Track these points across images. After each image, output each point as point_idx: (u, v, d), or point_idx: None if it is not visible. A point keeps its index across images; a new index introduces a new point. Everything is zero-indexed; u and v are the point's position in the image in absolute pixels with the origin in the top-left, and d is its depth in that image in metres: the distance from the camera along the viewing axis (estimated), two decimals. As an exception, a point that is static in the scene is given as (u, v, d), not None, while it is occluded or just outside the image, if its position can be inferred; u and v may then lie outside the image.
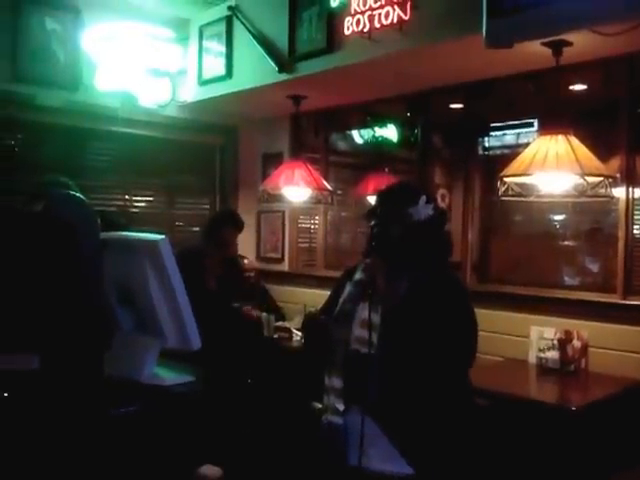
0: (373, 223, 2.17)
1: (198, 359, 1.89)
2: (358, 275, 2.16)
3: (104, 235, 1.70)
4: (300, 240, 5.44)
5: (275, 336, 4.33)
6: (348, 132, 5.38)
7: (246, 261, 4.71)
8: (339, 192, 5.16)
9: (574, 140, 3.05)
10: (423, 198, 2.10)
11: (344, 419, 2.04)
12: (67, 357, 1.53)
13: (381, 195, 2.24)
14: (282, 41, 3.99)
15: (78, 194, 1.56)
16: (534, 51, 3.13)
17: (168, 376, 1.85)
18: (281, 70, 3.98)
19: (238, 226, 4.19)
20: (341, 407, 2.04)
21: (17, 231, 1.52)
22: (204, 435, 2.03)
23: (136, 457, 1.67)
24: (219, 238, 4.10)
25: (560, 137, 3.05)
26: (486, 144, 4.43)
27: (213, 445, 2.34)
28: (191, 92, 4.78)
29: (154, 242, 1.73)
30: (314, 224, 5.39)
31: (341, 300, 2.20)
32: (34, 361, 1.50)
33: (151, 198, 5.18)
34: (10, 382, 1.49)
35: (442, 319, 2.01)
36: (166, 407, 1.82)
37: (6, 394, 1.50)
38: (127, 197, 4.98)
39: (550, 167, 3.00)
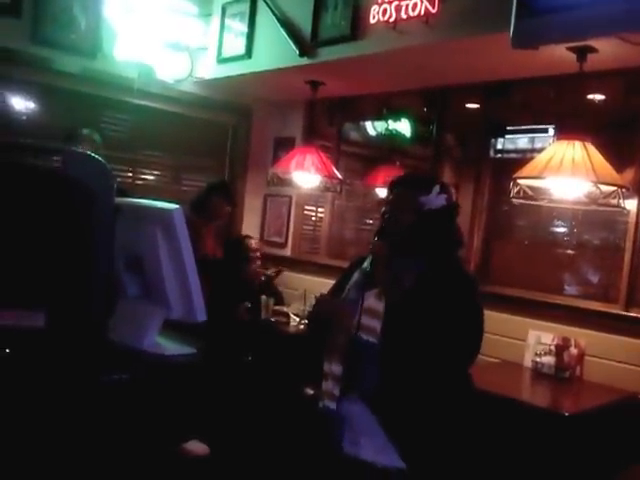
0: (384, 210, 2.17)
1: (201, 332, 1.89)
2: (366, 264, 2.16)
3: (118, 200, 1.70)
4: (305, 227, 5.44)
5: (272, 319, 4.34)
6: (362, 123, 5.36)
7: (253, 241, 4.70)
8: (348, 182, 5.15)
9: (591, 147, 3.04)
10: (436, 188, 2.09)
11: (339, 406, 2.04)
12: (72, 318, 1.53)
13: (394, 183, 2.23)
14: (305, 25, 3.97)
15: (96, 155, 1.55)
16: (558, 55, 3.12)
17: (169, 346, 1.85)
18: (302, 54, 3.96)
19: (228, 196, 4.24)
20: (337, 393, 2.04)
21: (31, 187, 1.51)
22: (195, 410, 2.03)
23: (125, 425, 1.67)
24: (206, 208, 4.15)
25: (577, 143, 3.04)
26: (499, 146, 4.41)
27: (203, 421, 2.35)
28: (209, 69, 4.76)
29: (168, 211, 1.72)
30: (320, 212, 5.39)
31: (347, 287, 2.19)
32: (40, 319, 1.49)
33: (158, 173, 5.16)
34: (14, 339, 1.49)
35: (449, 312, 1.99)
36: (163, 377, 1.82)
37: (8, 350, 1.50)
38: (134, 170, 4.97)
39: (565, 172, 2.99)
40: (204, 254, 4.06)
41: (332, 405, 2.05)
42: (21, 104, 4.41)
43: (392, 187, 2.21)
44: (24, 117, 4.42)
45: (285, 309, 4.50)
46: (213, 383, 2.01)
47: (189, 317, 1.78)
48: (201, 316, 1.77)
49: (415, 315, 1.99)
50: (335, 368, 2.06)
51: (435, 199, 2.07)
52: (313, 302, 2.35)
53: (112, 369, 1.63)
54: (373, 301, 2.02)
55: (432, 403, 2.00)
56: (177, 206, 1.73)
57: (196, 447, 3.40)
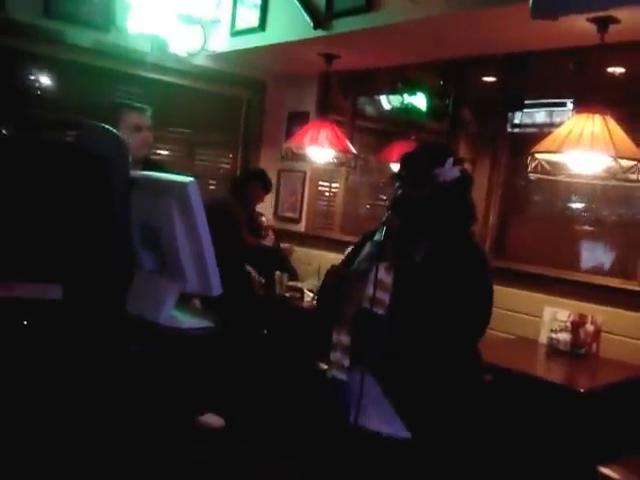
0: (397, 184, 2.14)
1: (220, 307, 1.89)
2: (377, 236, 2.15)
3: (133, 173, 1.69)
4: (319, 202, 5.42)
5: (287, 295, 4.35)
6: (377, 97, 5.30)
7: (264, 219, 4.71)
8: (362, 157, 5.11)
9: (611, 121, 2.99)
10: (450, 160, 2.07)
11: (348, 376, 2.05)
12: (90, 290, 1.53)
13: (407, 156, 2.20)
14: (320, -4, 3.91)
15: (111, 127, 1.53)
16: (578, 26, 3.05)
17: (186, 320, 1.85)
18: (316, 26, 3.90)
19: (266, 186, 4.34)
20: (346, 363, 2.04)
21: (47, 161, 1.50)
22: (211, 383, 2.04)
23: (142, 397, 1.68)
24: (245, 194, 4.23)
25: (597, 117, 2.98)
26: (517, 121, 4.35)
27: (218, 394, 2.36)
28: (222, 42, 4.71)
29: (183, 184, 1.71)
30: (334, 187, 5.36)
31: (358, 259, 2.19)
32: (57, 291, 1.49)
33: (171, 147, 5.14)
34: (32, 310, 1.50)
35: (459, 286, 1.99)
36: (179, 350, 1.82)
37: (25, 322, 1.50)
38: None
39: (584, 146, 2.94)
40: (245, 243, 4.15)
41: (341, 375, 2.05)
42: (34, 78, 4.39)
43: (406, 159, 2.19)
44: (37, 91, 4.41)
45: (299, 285, 4.51)
46: (229, 357, 2.02)
47: (205, 291, 1.77)
48: (217, 290, 1.77)
49: (424, 288, 1.99)
50: (344, 339, 2.07)
51: (449, 171, 2.05)
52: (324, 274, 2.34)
53: (129, 342, 1.64)
54: (383, 273, 2.01)
55: (439, 374, 2.01)
56: (192, 179, 1.72)
57: (212, 420, 3.45)
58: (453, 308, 1.97)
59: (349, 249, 2.43)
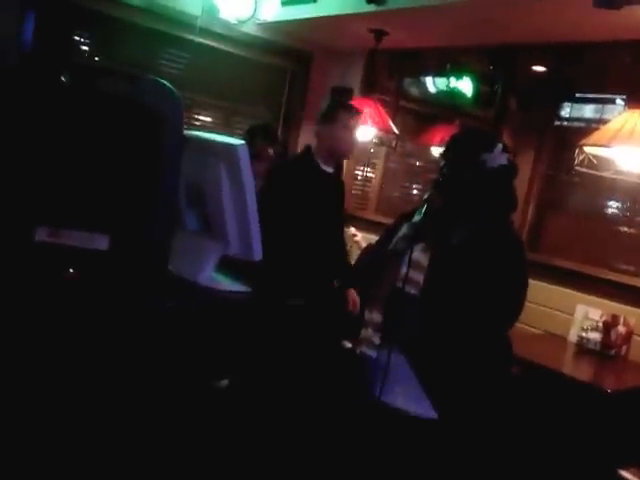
0: (443, 164, 2.12)
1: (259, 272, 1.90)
2: (416, 217, 2.13)
3: (185, 132, 1.69)
4: (355, 181, 5.38)
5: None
6: (422, 78, 5.21)
7: None
8: (403, 139, 5.05)
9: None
10: (499, 146, 2.04)
11: (377, 353, 2.05)
12: (135, 243, 1.54)
13: (455, 138, 2.18)
14: (376, -30, 3.84)
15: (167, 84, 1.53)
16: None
17: (224, 281, 1.86)
18: (369, 0, 3.84)
19: (270, 137, 4.22)
20: (377, 340, 2.05)
21: (105, 112, 1.51)
22: (237, 348, 2.04)
23: (171, 352, 1.70)
24: (252, 151, 4.12)
25: (652, 113, 2.90)
26: (565, 114, 4.25)
27: (240, 361, 2.37)
28: (272, 11, 4.67)
29: (234, 147, 1.71)
30: (371, 168, 5.31)
31: (395, 239, 2.17)
32: (104, 242, 1.51)
33: (212, 114, 5.13)
34: (78, 259, 1.51)
35: (495, 272, 1.98)
36: (214, 311, 1.83)
37: (72, 270, 1.52)
38: (189, 110, 4.94)
39: (634, 143, 2.86)
40: None
41: (370, 352, 2.06)
42: (83, 35, 4.41)
43: (453, 142, 2.16)
44: (84, 47, 4.43)
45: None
46: (261, 323, 2.03)
47: (246, 255, 1.78)
48: (258, 255, 1.77)
49: (460, 271, 1.98)
50: (376, 317, 2.07)
51: (497, 157, 2.03)
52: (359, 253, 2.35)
53: (167, 297, 1.65)
54: (419, 254, 2.00)
55: (469, 358, 2.00)
56: (242, 142, 1.71)
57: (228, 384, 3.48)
58: (487, 294, 1.97)
59: (388, 227, 2.42)
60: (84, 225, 1.48)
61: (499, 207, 2.11)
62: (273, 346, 2.75)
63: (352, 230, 4.52)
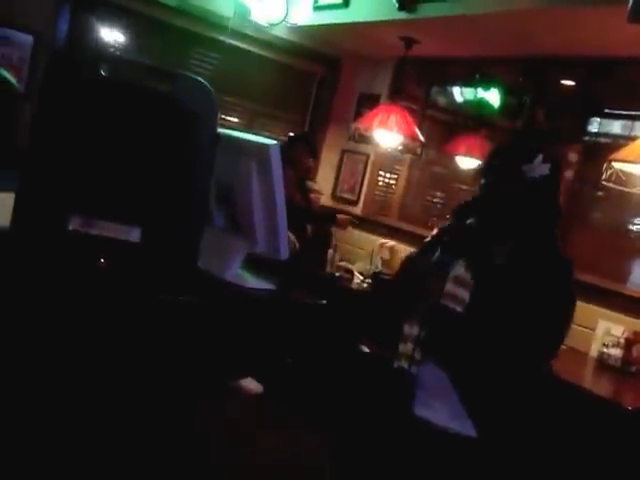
0: (484, 181, 2.09)
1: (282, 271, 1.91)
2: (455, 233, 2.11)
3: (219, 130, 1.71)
4: (378, 187, 5.39)
5: (337, 274, 4.36)
6: (450, 87, 5.22)
7: (311, 183, 4.68)
8: (428, 147, 5.05)
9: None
10: (540, 157, 2.01)
11: (418, 369, 2.02)
12: (167, 237, 1.56)
13: (495, 152, 2.15)
14: (408, -22, 3.86)
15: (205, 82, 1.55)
16: (676, 35, 2.93)
17: (251, 279, 1.88)
18: (401, 7, 3.86)
19: (311, 148, 4.29)
20: (418, 356, 2.02)
21: (142, 107, 1.53)
22: (260, 347, 2.05)
23: (194, 348, 1.71)
24: (291, 158, 4.20)
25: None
26: (593, 129, 4.22)
27: (264, 360, 2.38)
28: (304, 16, 4.70)
29: (266, 146, 1.72)
30: (395, 174, 5.32)
31: (436, 254, 2.13)
32: (136, 234, 1.53)
33: (240, 116, 5.17)
34: (110, 249, 1.53)
35: (540, 295, 1.93)
36: (241, 308, 1.84)
37: (103, 260, 1.55)
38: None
39: (665, 160, 2.84)
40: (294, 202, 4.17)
41: (409, 367, 2.03)
42: (115, 32, 4.47)
43: (492, 156, 2.13)
44: (117, 44, 4.49)
45: (350, 266, 4.51)
46: (285, 322, 2.04)
47: (273, 254, 1.79)
48: (284, 254, 1.79)
49: (507, 290, 1.94)
50: (415, 331, 2.04)
51: (538, 167, 1.99)
52: (402, 259, 2.32)
53: (195, 293, 1.67)
54: (462, 271, 1.98)
55: (513, 377, 1.97)
56: (275, 142, 1.73)
57: (251, 385, 3.49)
58: (534, 316, 1.92)
59: (427, 239, 2.38)
60: (118, 217, 1.50)
61: (542, 220, 2.05)
62: (294, 347, 2.76)
63: (381, 240, 4.53)
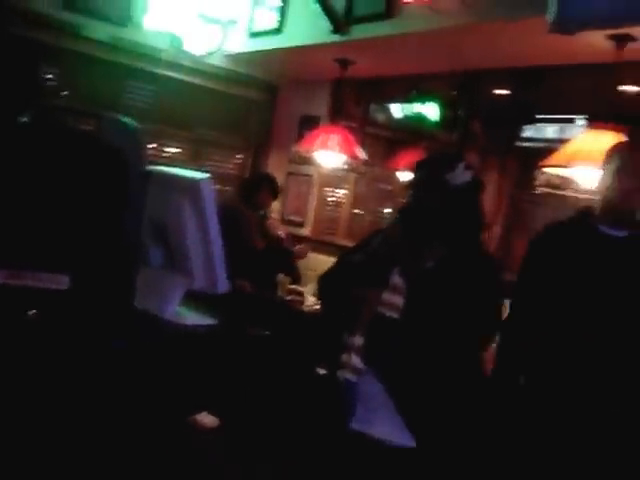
0: (410, 191, 2.14)
1: (224, 305, 1.89)
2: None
3: (148, 167, 1.69)
4: (325, 207, 5.41)
5: (288, 298, 4.33)
6: (388, 104, 5.30)
7: (277, 228, 4.71)
8: (371, 164, 5.10)
9: (624, 139, 2.98)
10: (461, 165, 2.07)
11: (359, 378, 2.03)
12: (98, 282, 1.53)
13: (419, 163, 2.21)
14: (339, 1, 3.91)
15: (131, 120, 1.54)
16: (596, 42, 3.05)
17: (190, 316, 1.85)
18: (335, 31, 3.90)
19: (276, 191, 4.34)
20: (360, 365, 2.02)
21: (65, 149, 1.51)
22: (210, 382, 2.03)
23: (141, 390, 1.68)
24: (255, 199, 4.25)
25: (609, 134, 2.98)
26: (527, 135, 4.35)
27: (215, 393, 2.35)
28: (239, 43, 4.72)
29: (197, 181, 1.71)
30: (341, 193, 5.35)
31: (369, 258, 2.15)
32: (65, 282, 1.49)
33: (181, 146, 5.15)
34: (40, 300, 1.50)
35: (469, 295, 1.98)
36: (183, 346, 1.82)
37: (34, 311, 1.50)
38: (158, 142, 4.95)
39: (593, 162, 2.92)
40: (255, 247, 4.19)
41: (352, 377, 2.03)
42: (50, 69, 4.41)
43: (418, 168, 2.19)
44: (52, 82, 4.42)
45: (300, 288, 4.49)
46: (229, 355, 2.02)
47: (211, 288, 1.77)
48: (223, 287, 1.77)
49: (438, 295, 1.98)
50: (358, 340, 2.05)
51: (460, 175, 2.05)
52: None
53: (133, 335, 1.64)
54: (396, 278, 2.01)
55: (449, 383, 2.00)
56: (206, 175, 1.72)
57: (206, 419, 3.43)
58: (463, 318, 1.97)
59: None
60: (45, 266, 1.46)
61: (469, 226, 2.13)
62: (245, 377, 2.72)
63: (331, 260, 4.53)
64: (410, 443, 1.96)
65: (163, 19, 4.28)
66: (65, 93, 4.41)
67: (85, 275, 1.49)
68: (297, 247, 4.65)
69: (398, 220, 2.09)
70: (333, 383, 2.09)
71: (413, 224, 2.06)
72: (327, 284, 2.31)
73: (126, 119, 1.52)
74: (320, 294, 2.45)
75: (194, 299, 1.91)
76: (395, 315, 1.99)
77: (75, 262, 1.48)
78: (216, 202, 1.73)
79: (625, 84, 3.42)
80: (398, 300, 2.00)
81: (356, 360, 2.02)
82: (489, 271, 2.09)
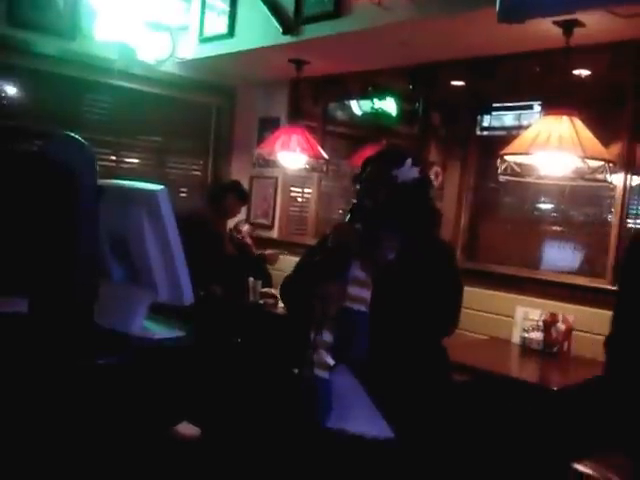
0: (359, 187, 2.16)
1: (192, 315, 1.87)
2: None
3: (101, 182, 1.66)
4: (291, 208, 5.41)
5: (261, 302, 4.32)
6: (347, 102, 5.31)
7: (244, 231, 4.73)
8: (334, 162, 5.11)
9: (578, 122, 3.03)
10: (409, 161, 2.09)
11: (330, 375, 2.03)
12: (57, 303, 1.50)
13: (367, 160, 2.23)
14: (288, 2, 3.91)
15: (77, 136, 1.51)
16: (544, 30, 3.10)
17: (157, 330, 1.83)
18: (285, 32, 3.90)
19: (243, 197, 4.37)
20: (331, 362, 2.03)
21: (12, 171, 1.47)
22: (186, 393, 2.01)
23: (115, 408, 1.66)
24: (223, 206, 4.28)
25: (564, 118, 3.03)
26: (486, 124, 4.39)
27: (193, 404, 2.33)
28: (191, 49, 4.68)
29: (153, 192, 1.69)
30: (306, 193, 5.35)
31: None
32: (23, 305, 1.46)
33: (141, 156, 5.10)
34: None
35: (431, 283, 2.02)
36: (152, 360, 1.80)
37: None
38: (117, 153, 4.89)
39: (552, 148, 2.98)
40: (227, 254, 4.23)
41: (323, 374, 2.03)
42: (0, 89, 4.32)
43: (365, 164, 2.21)
44: (3, 100, 4.33)
45: (273, 291, 4.48)
46: (203, 365, 2.00)
47: (177, 300, 1.76)
48: (188, 299, 1.75)
49: (401, 285, 2.00)
50: (326, 337, 2.05)
51: (408, 171, 2.07)
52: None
53: (100, 353, 1.61)
54: (359, 272, 2.02)
55: (418, 371, 2.02)
56: (162, 187, 1.70)
57: (187, 429, 3.41)
58: (425, 306, 2.00)
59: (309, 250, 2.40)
60: (2, 290, 1.43)
61: (421, 220, 2.16)
62: (221, 385, 2.70)
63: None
64: (388, 434, 1.98)
65: (112, 29, 4.21)
66: (19, 111, 4.33)
67: (43, 296, 1.46)
68: (268, 252, 4.66)
69: (350, 217, 2.09)
70: (306, 382, 2.09)
71: (365, 219, 2.08)
72: (287, 287, 2.32)
73: (76, 136, 1.49)
74: (282, 298, 2.46)
75: (166, 310, 1.89)
76: (364, 308, 2.00)
77: (31, 284, 1.45)
78: (184, 210, 1.71)
79: (575, 68, 3.48)
80: (365, 294, 2.01)
81: (327, 357, 2.03)
82: (446, 259, 2.15)
